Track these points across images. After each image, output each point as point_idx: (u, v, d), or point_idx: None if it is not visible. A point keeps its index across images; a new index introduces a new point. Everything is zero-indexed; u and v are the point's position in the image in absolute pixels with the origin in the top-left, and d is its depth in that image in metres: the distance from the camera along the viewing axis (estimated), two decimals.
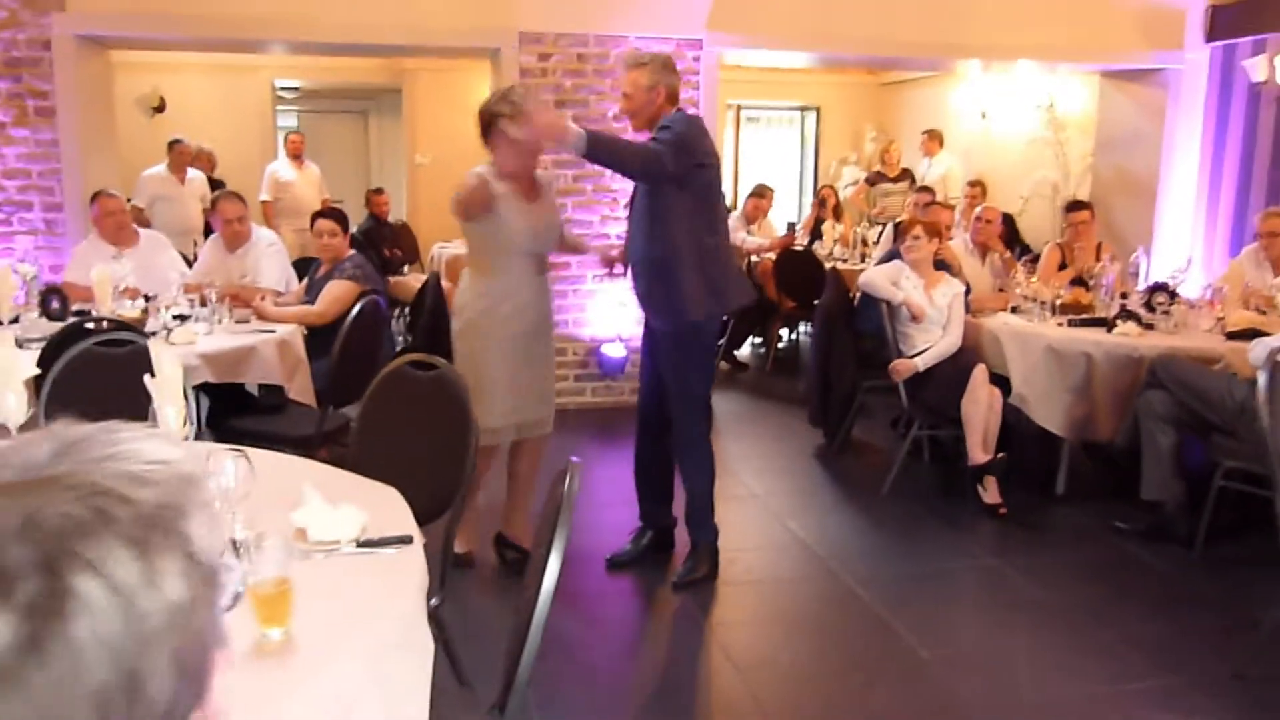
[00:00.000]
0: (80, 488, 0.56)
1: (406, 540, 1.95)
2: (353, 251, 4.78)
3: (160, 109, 9.64)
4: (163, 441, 0.62)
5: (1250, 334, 4.41)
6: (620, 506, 4.24)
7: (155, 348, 2.24)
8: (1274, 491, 3.16)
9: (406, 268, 8.68)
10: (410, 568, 1.84)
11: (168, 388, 2.19)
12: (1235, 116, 6.64)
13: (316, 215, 4.92)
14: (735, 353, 7.83)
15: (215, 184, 8.23)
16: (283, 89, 10.70)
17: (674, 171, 3.42)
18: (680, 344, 3.68)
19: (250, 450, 2.20)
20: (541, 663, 3.16)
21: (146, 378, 2.20)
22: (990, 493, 4.59)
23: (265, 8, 5.72)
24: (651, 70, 3.54)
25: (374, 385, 2.86)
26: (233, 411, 4.36)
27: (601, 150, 3.39)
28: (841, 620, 3.61)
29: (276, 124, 10.45)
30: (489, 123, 3.55)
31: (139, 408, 2.99)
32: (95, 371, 3.07)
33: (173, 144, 7.70)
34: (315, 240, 4.86)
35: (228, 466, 1.85)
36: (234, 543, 1.72)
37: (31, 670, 0.52)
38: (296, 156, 8.77)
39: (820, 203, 8.96)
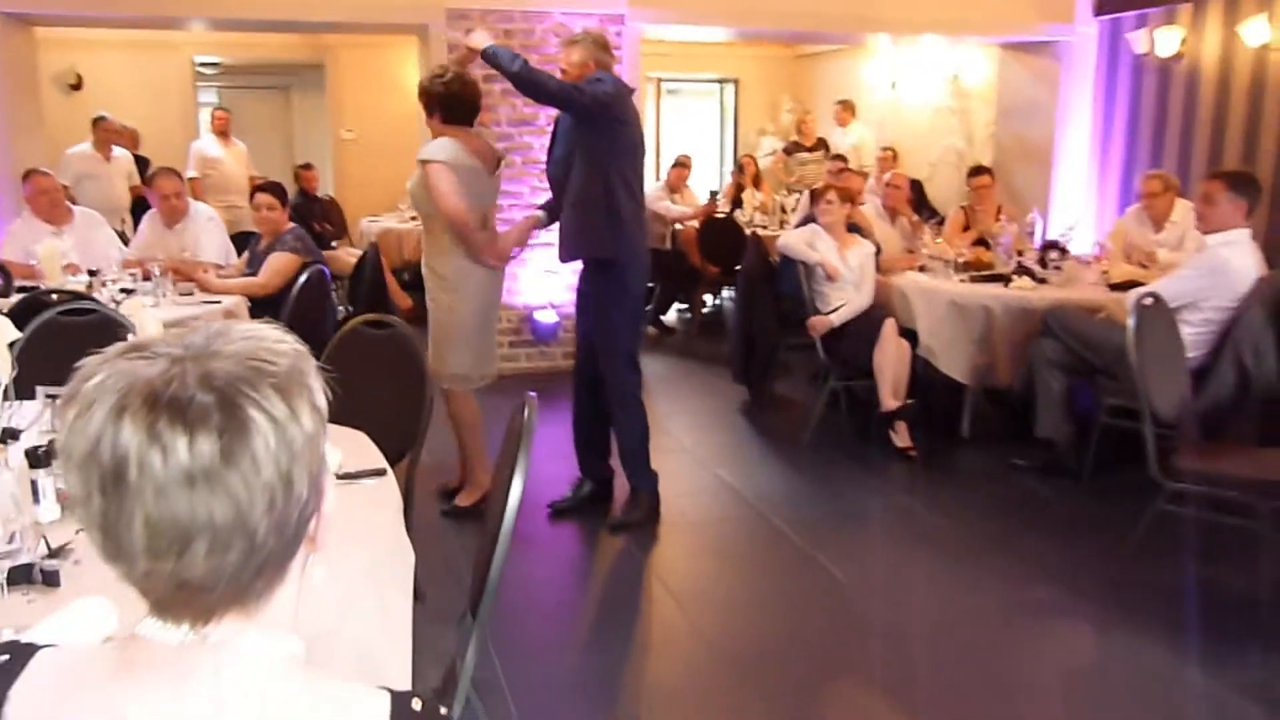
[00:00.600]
0: (237, 355, 0.81)
1: (381, 472, 2.19)
2: (293, 224, 4.93)
3: (77, 86, 9.53)
4: (278, 329, 0.88)
5: (1131, 285, 4.84)
6: (559, 460, 4.50)
7: (135, 308, 2.44)
8: (1155, 425, 3.55)
9: (335, 242, 8.77)
10: (388, 494, 2.10)
11: None
12: (1122, 86, 7.11)
13: (256, 189, 5.06)
14: (662, 318, 8.13)
15: (140, 161, 8.21)
16: (202, 65, 10.62)
17: (587, 106, 3.70)
18: (620, 300, 3.95)
19: None
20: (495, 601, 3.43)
21: (131, 337, 2.39)
22: (901, 437, 4.97)
23: None
24: (583, 47, 3.81)
25: (331, 344, 3.08)
26: None
27: (501, 57, 3.65)
28: (770, 555, 3.94)
29: (198, 101, 10.39)
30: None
31: None
32: (58, 339, 3.22)
33: (97, 121, 7.66)
34: (254, 213, 5.01)
35: None
36: None
37: (228, 471, 0.77)
38: (223, 133, 8.78)
39: (740, 170, 9.28)
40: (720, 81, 11.69)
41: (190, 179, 8.50)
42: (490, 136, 4.14)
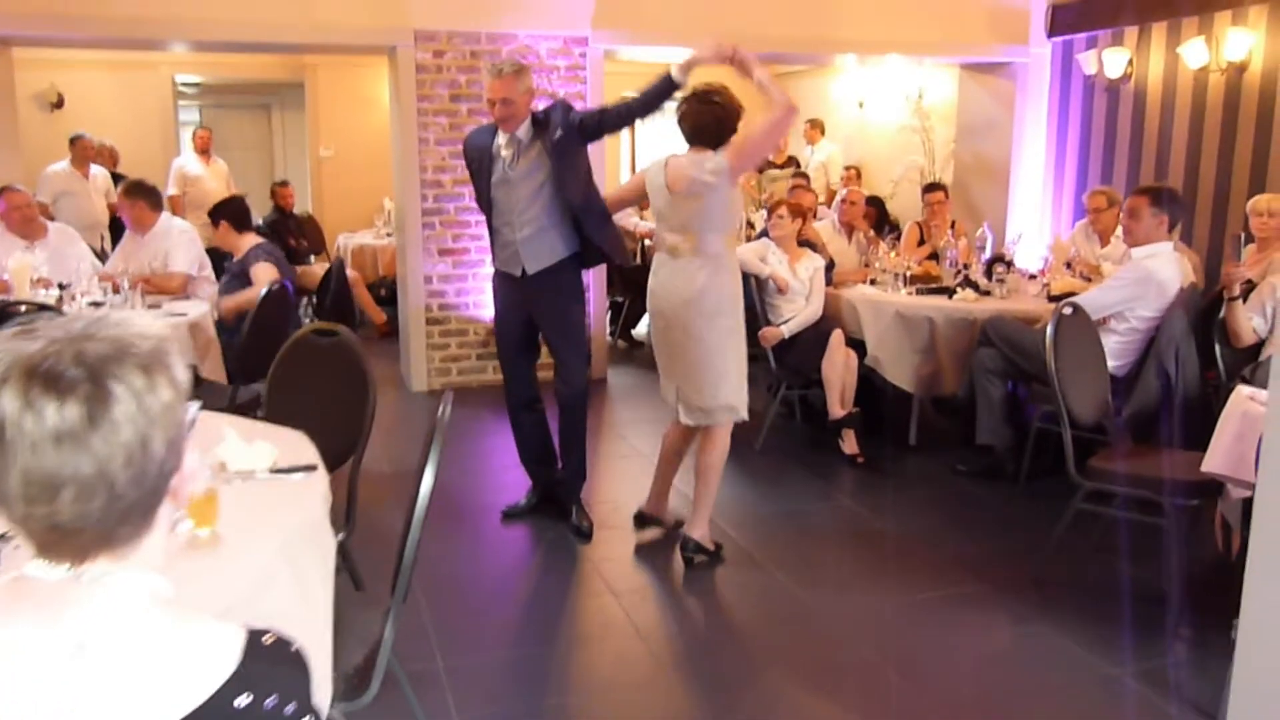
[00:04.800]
0: (106, 338, 0.98)
1: (312, 468, 2.35)
2: (260, 240, 5.07)
3: (59, 105, 9.70)
4: (149, 319, 1.04)
5: (1070, 296, 5.02)
6: (517, 469, 4.65)
7: (124, 309, 2.59)
8: (1075, 428, 3.72)
9: (313, 257, 8.94)
10: (315, 487, 2.25)
11: None
12: (1074, 105, 7.33)
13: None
14: (632, 331, 8.30)
15: (119, 179, 8.37)
16: (184, 84, 10.81)
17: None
18: (581, 302, 4.24)
19: None
20: (441, 600, 3.59)
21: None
22: (849, 444, 5.14)
23: (165, 8, 5.93)
24: (526, 75, 3.96)
25: (281, 352, 3.23)
26: None
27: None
28: None
29: (178, 119, 10.57)
30: None
31: None
32: None
33: (74, 140, 7.84)
34: None
35: None
36: None
37: (90, 434, 0.94)
38: (204, 151, 8.97)
39: None
40: None
41: (171, 196, 8.69)
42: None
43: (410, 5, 6.21)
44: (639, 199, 4.34)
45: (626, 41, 6.76)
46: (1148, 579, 3.75)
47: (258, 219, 8.82)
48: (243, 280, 4.88)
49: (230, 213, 5.01)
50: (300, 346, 3.23)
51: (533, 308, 4.17)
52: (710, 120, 3.73)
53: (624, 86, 10.78)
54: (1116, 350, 4.38)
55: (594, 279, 6.86)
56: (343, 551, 3.03)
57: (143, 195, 5.30)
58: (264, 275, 4.85)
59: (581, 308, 4.30)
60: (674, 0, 6.73)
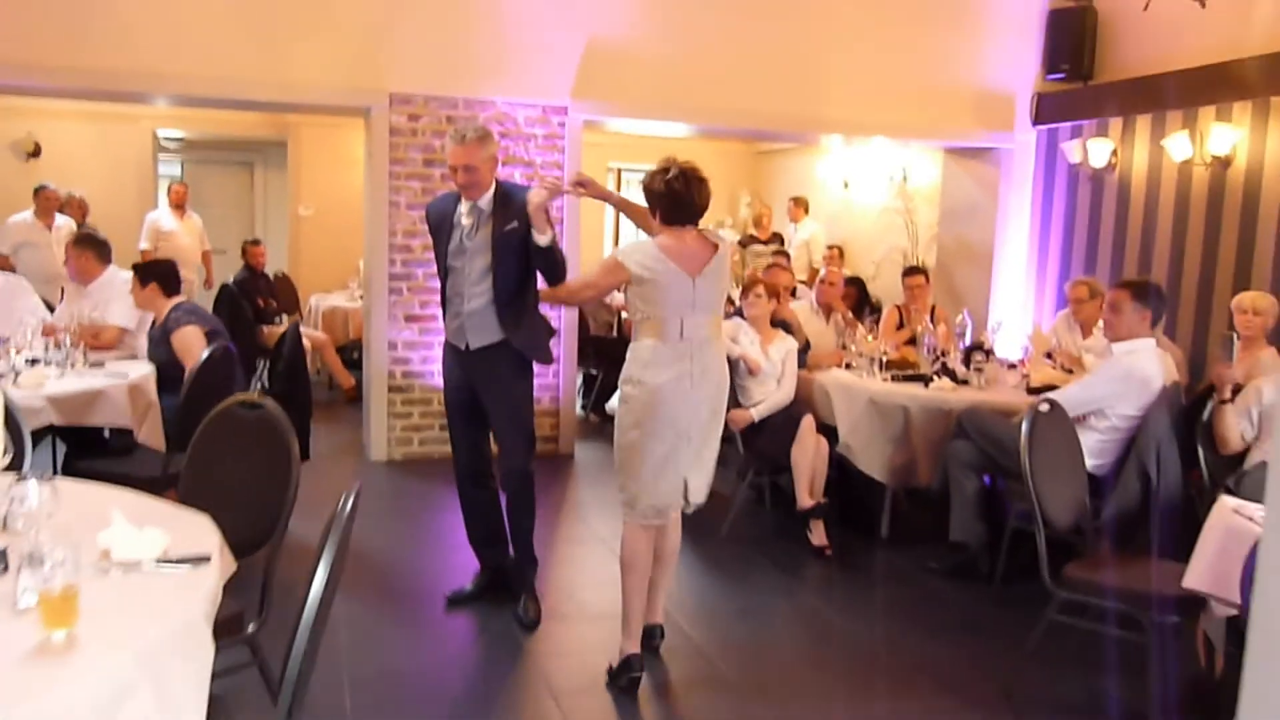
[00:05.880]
0: None
1: (204, 559, 2.12)
2: (181, 300, 4.83)
3: (35, 154, 9.58)
4: None
5: (1050, 389, 4.85)
6: (469, 550, 4.40)
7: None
8: (1051, 531, 3.52)
9: (284, 317, 8.75)
10: (201, 582, 2.02)
11: None
12: (1058, 193, 7.26)
13: None
14: (606, 406, 8.10)
15: None
16: (166, 139, 10.73)
17: None
18: (526, 380, 4.04)
19: (69, 480, 2.37)
20: (367, 692, 3.34)
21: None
22: (817, 535, 4.92)
23: (145, 61, 5.80)
24: (490, 142, 3.83)
25: (203, 425, 3.02)
26: (85, 454, 4.44)
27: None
28: (662, 650, 3.83)
29: (157, 173, 10.46)
30: None
31: None
32: None
33: (38, 190, 7.70)
34: None
35: (31, 488, 2.01)
36: (30, 556, 1.88)
37: None
38: (179, 206, 8.84)
39: None
40: None
41: (143, 251, 8.54)
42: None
43: (387, 68, 6.12)
44: (617, 287, 3.93)
45: (607, 113, 6.68)
46: (1127, 696, 3.52)
47: (228, 276, 8.67)
48: (164, 343, 4.63)
49: (162, 275, 4.74)
50: (224, 418, 3.02)
51: (475, 382, 3.99)
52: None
53: (621, 157, 10.81)
54: (1096, 449, 4.20)
55: (564, 349, 6.69)
56: (254, 647, 2.80)
57: (91, 247, 5.12)
58: (189, 337, 4.61)
59: (527, 386, 4.08)
60: (658, 75, 6.65)
